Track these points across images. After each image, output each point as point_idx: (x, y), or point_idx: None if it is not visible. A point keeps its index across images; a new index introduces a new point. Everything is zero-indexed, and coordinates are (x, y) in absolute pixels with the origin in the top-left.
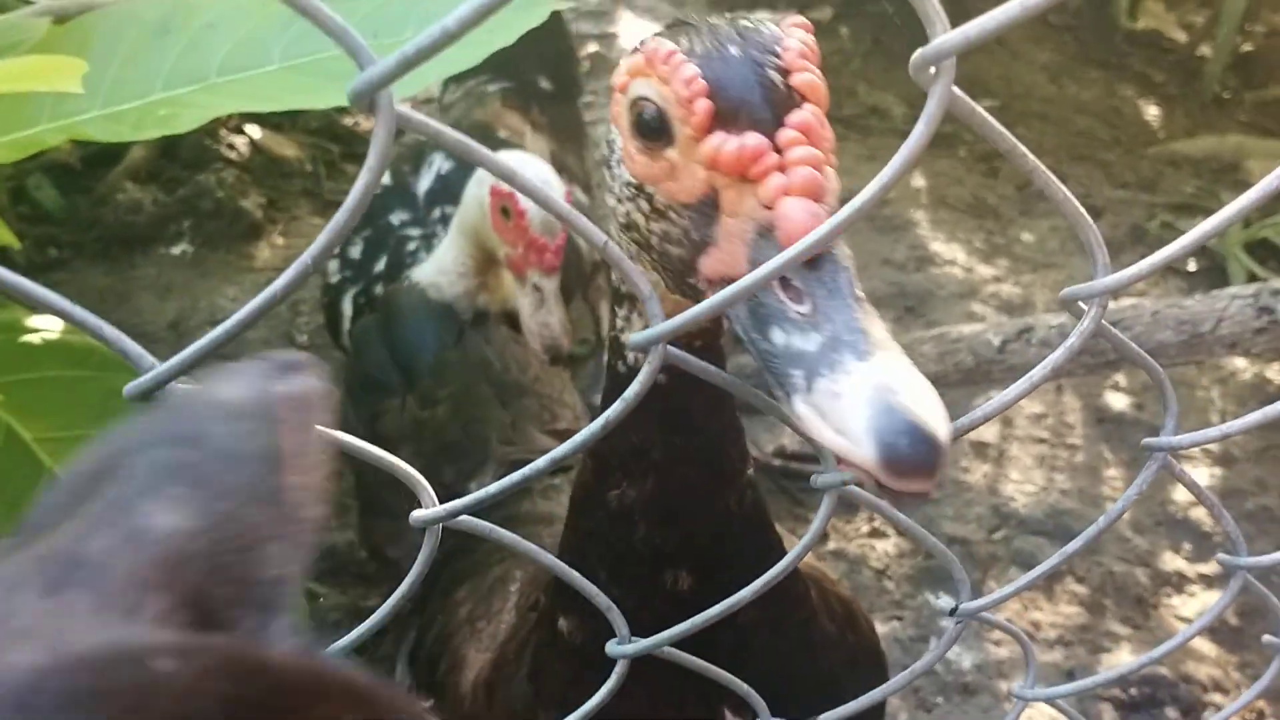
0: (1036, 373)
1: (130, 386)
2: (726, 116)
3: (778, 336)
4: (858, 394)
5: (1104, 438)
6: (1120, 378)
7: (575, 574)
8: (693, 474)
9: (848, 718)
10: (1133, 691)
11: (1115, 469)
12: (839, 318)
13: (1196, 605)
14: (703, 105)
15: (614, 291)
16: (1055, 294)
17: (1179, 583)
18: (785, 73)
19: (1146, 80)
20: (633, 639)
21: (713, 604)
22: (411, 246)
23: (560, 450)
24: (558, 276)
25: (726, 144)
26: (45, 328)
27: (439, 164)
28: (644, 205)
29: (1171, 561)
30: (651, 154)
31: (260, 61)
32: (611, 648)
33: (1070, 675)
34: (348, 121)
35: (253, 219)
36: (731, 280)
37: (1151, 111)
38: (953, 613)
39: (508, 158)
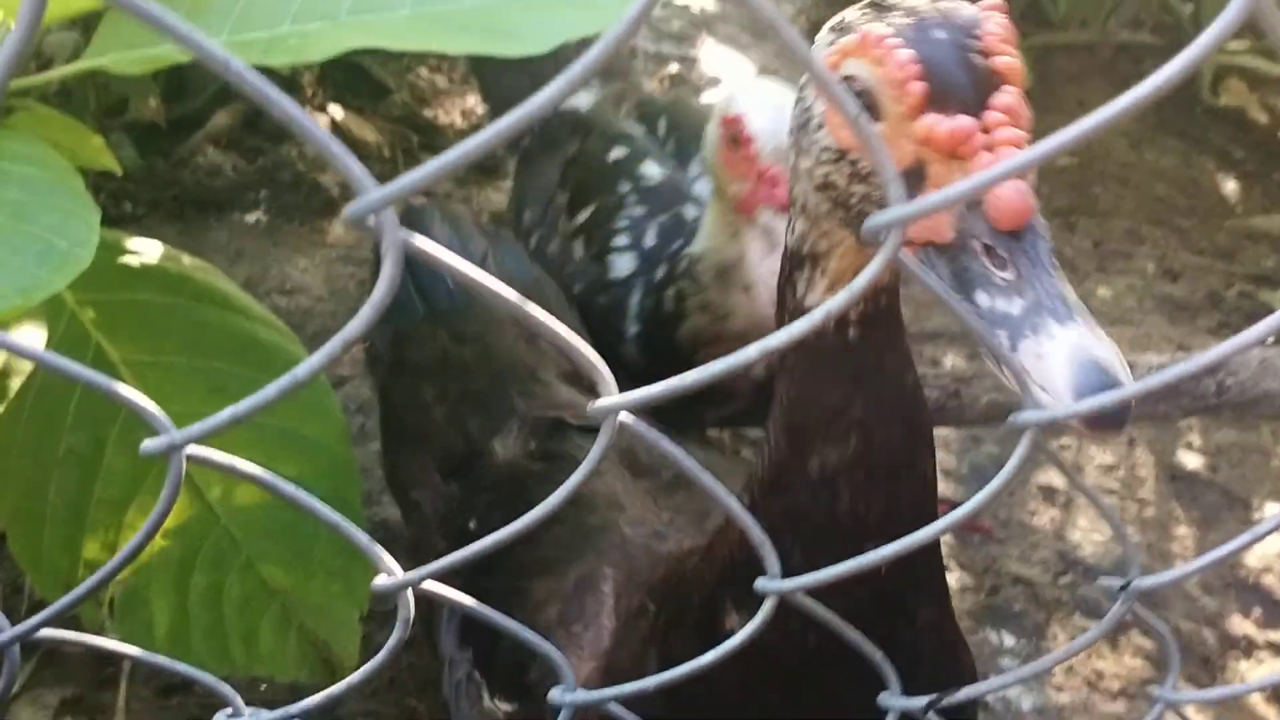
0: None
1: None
2: (936, 97)
3: (982, 299)
4: (1060, 355)
5: (1175, 495)
6: (1195, 436)
7: (734, 504)
8: (894, 433)
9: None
10: None
11: (1185, 526)
12: (1040, 284)
13: (1263, 671)
14: (917, 88)
15: (793, 254)
16: (1132, 350)
17: (1246, 647)
18: (986, 54)
19: (1226, 155)
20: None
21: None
22: (674, 248)
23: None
24: None
25: (939, 124)
26: (144, 251)
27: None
28: (845, 169)
29: (1240, 625)
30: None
31: (392, 5)
32: (763, 583)
33: None
34: (428, 113)
35: (328, 195)
36: (933, 245)
37: (1230, 185)
38: (1123, 589)
39: (746, 86)
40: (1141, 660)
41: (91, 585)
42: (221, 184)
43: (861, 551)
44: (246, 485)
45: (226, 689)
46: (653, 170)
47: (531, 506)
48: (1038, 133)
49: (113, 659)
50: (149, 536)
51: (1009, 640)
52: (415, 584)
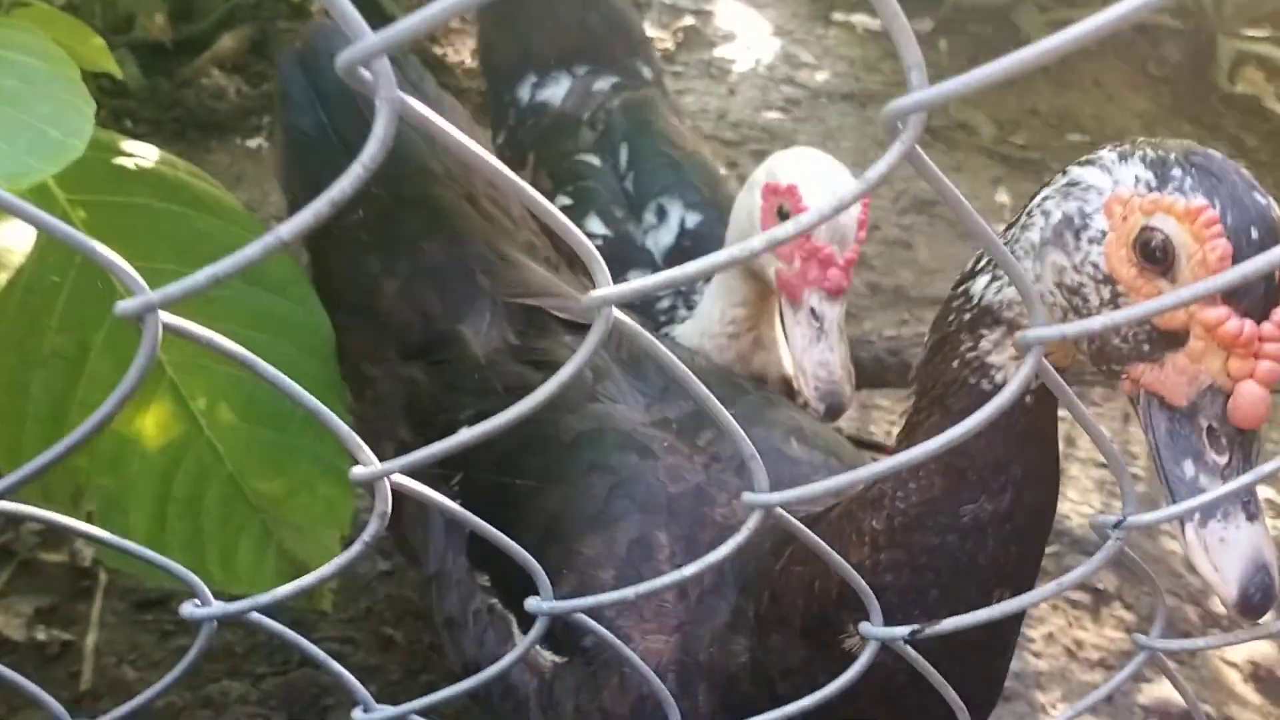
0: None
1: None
2: (1232, 291)
3: (1188, 469)
4: (1239, 548)
5: None
6: None
7: (728, 419)
8: (1041, 492)
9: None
10: None
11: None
12: (1244, 480)
13: (1244, 651)
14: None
15: (979, 313)
16: None
17: (1229, 625)
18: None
19: (1239, 143)
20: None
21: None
22: (665, 304)
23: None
24: (843, 304)
25: (1230, 323)
26: (141, 154)
27: (680, 215)
28: (1105, 293)
29: (1222, 604)
30: (1142, 273)
31: None
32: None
33: (1109, 700)
34: (438, 50)
35: None
36: (1157, 397)
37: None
38: (1117, 525)
39: (792, 155)
40: (1122, 633)
41: (53, 456)
42: (225, 107)
43: (991, 596)
44: (232, 398)
45: (194, 579)
46: (596, 228)
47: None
48: (1051, 109)
49: (90, 572)
50: (118, 405)
51: None
52: (391, 474)
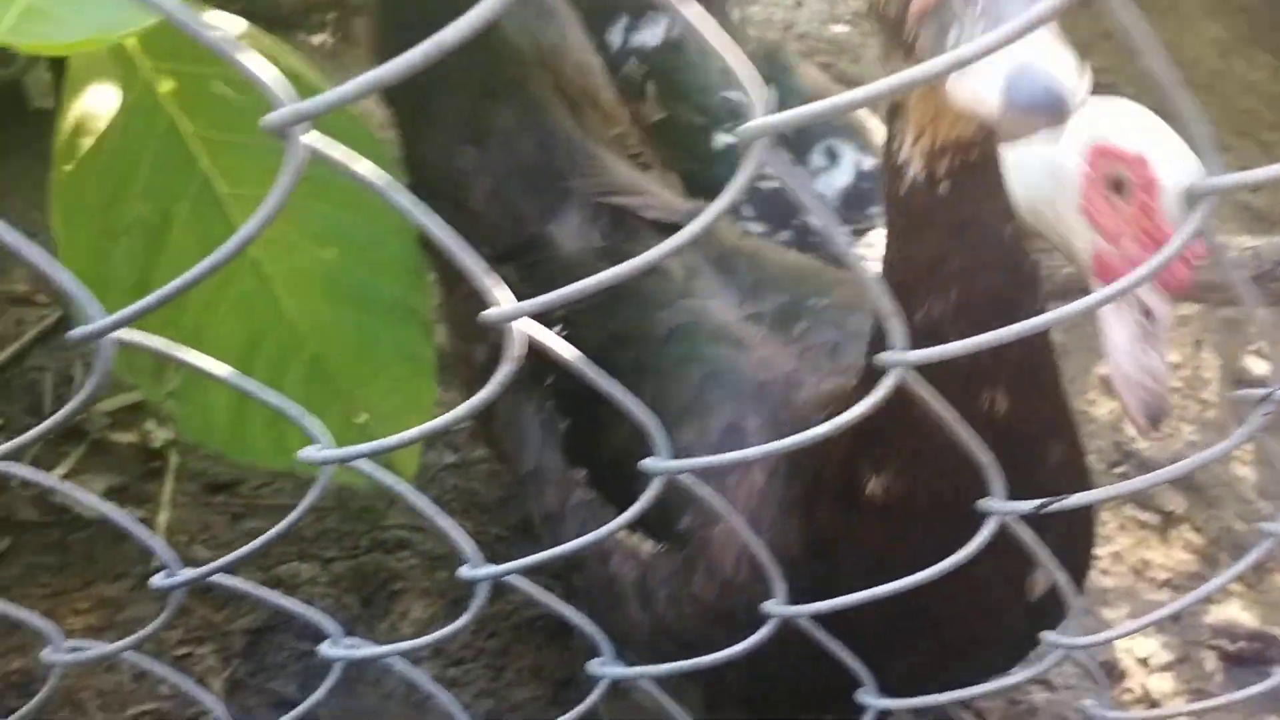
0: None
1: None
2: None
3: (952, 35)
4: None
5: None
6: (1263, 344)
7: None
8: (996, 282)
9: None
10: (1241, 645)
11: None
12: (1009, 10)
13: None
14: None
15: (891, 107)
16: None
17: None
18: None
19: None
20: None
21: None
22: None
23: None
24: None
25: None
26: (227, 26)
27: (854, 157)
28: None
29: None
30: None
31: None
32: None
33: (1176, 619)
34: None
35: None
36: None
37: None
38: (1264, 399)
39: (1125, 111)
40: (1191, 554)
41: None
42: (291, 2)
43: (979, 399)
44: (314, 280)
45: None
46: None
47: (626, 321)
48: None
49: (160, 453)
50: (244, 242)
51: None
52: (523, 314)
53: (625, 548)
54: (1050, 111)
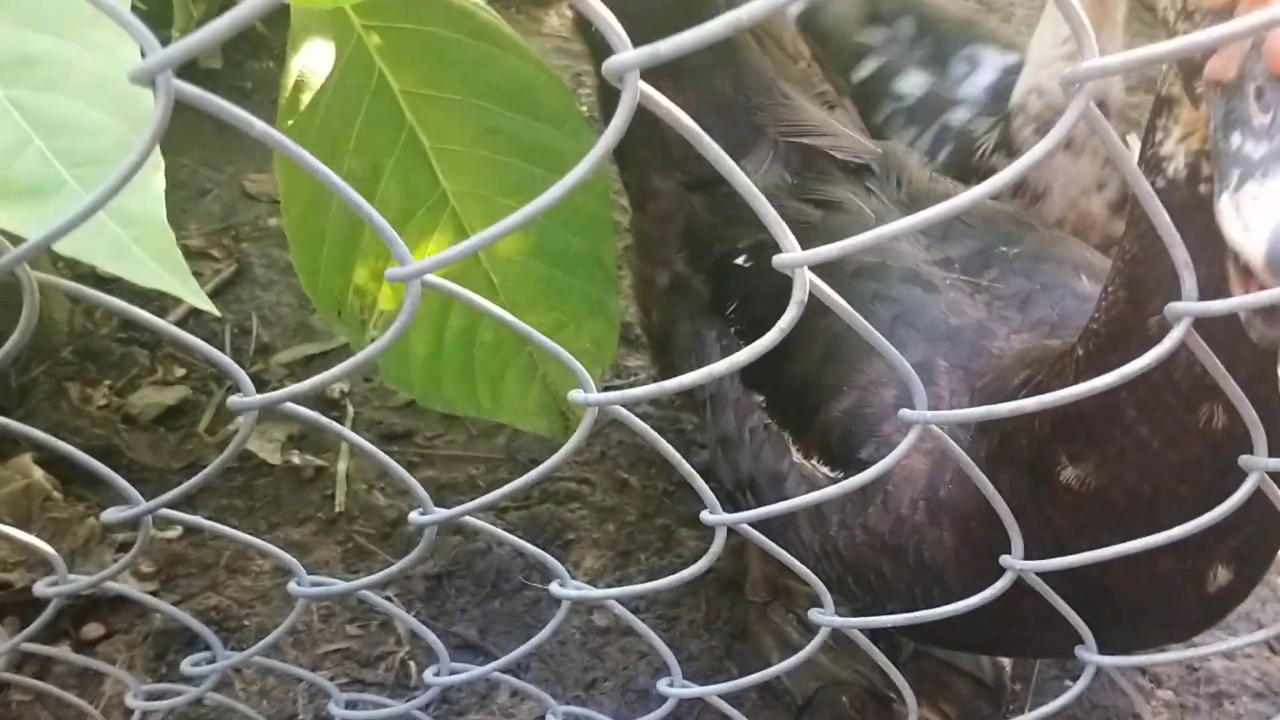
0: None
1: None
2: None
3: (1235, 139)
4: (1273, 202)
5: None
6: None
7: None
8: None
9: None
10: None
11: None
12: None
13: None
14: None
15: (1157, 99)
16: None
17: None
18: None
19: None
20: None
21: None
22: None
23: None
24: None
25: None
26: None
27: (996, 58)
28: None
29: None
30: None
31: None
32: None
33: None
34: None
35: None
36: (1221, 85)
37: None
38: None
39: None
40: None
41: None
42: None
43: (1196, 412)
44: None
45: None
46: (905, 87)
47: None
48: None
49: (338, 403)
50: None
51: None
52: (813, 262)
53: (802, 472)
54: None
